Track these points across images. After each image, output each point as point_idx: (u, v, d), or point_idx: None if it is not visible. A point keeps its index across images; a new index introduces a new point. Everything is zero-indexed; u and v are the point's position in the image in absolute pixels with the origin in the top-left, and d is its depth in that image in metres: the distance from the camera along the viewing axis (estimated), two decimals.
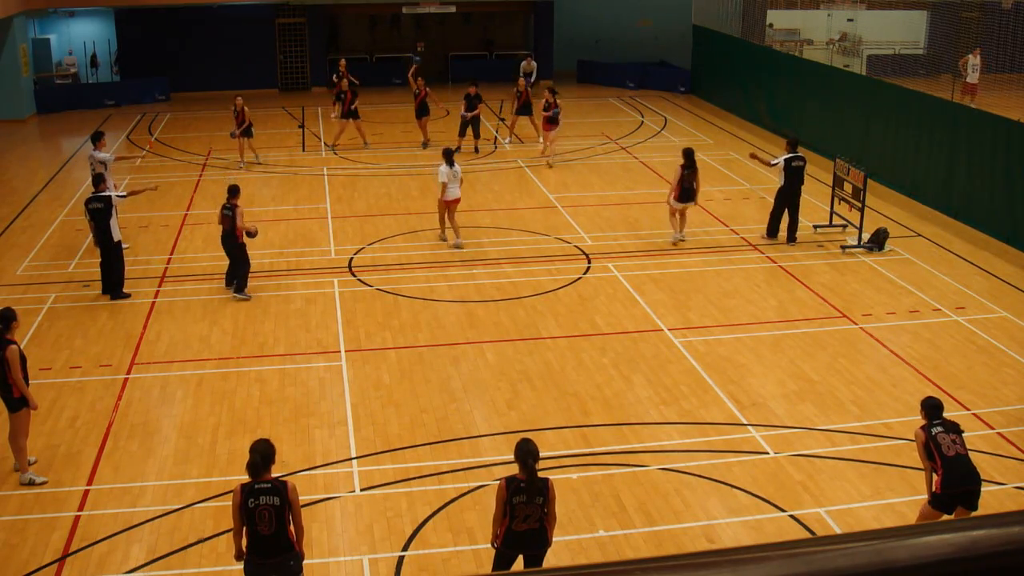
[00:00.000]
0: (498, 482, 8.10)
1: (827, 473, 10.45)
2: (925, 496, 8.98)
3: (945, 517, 8.76)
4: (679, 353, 13.30)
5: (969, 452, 8.84)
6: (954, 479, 8.63)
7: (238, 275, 15.02)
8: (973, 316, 14.45)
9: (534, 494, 7.86)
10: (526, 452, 7.92)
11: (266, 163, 23.15)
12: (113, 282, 15.22)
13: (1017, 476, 10.38)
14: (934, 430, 8.76)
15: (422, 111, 24.17)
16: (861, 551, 1.64)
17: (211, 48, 31.93)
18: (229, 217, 14.73)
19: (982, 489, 8.78)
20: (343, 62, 27.21)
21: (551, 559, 8.56)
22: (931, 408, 8.96)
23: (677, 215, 17.37)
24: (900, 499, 9.97)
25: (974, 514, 8.60)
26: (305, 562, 9.00)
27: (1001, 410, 11.76)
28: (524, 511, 7.86)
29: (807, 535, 9.52)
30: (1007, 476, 10.36)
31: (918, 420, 11.43)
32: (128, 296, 15.25)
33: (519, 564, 8.16)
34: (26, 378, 10.30)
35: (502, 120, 28.05)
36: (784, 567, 1.61)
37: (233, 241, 14.82)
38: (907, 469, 10.47)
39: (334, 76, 27.28)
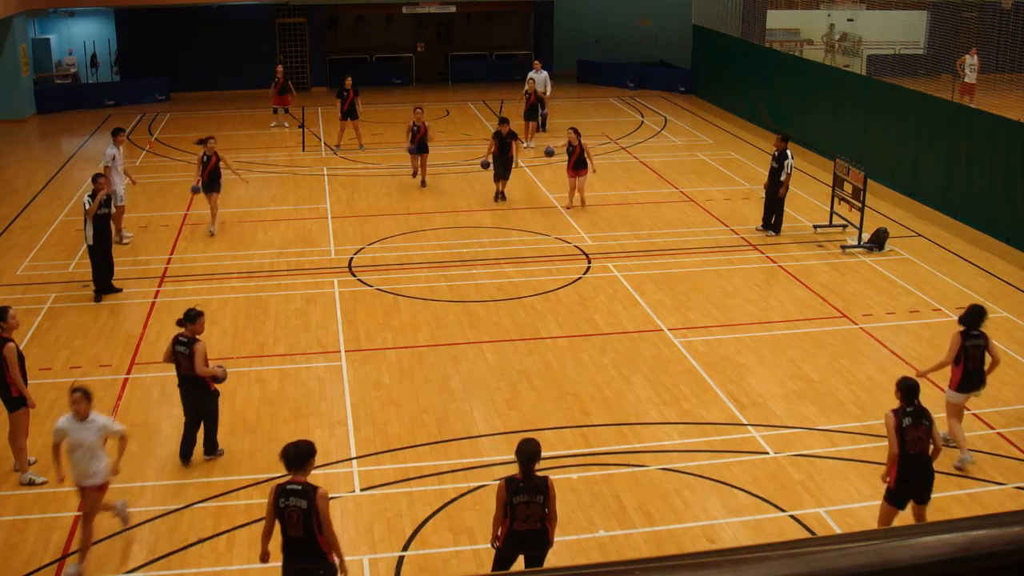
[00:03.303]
0: (498, 482, 8.11)
1: (827, 473, 10.45)
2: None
3: (899, 513, 8.90)
4: (679, 353, 13.29)
5: (940, 444, 8.91)
6: (909, 476, 8.72)
7: (206, 433, 10.72)
8: None
9: (534, 493, 7.86)
10: (526, 453, 7.93)
11: (258, 171, 23.12)
12: (96, 285, 15.18)
13: (1017, 476, 10.37)
14: (905, 420, 8.70)
15: (422, 147, 21.03)
16: (861, 551, 1.64)
17: (211, 48, 31.93)
18: (185, 356, 10.33)
19: (982, 490, 8.79)
20: (280, 68, 27.06)
21: (551, 559, 8.56)
22: (906, 390, 8.83)
23: (956, 419, 10.71)
24: None
25: (977, 513, 8.59)
26: None
27: (1001, 410, 11.75)
28: (525, 511, 7.86)
29: (807, 535, 9.52)
30: (1007, 476, 10.35)
31: None
32: (119, 291, 15.22)
33: (519, 564, 8.15)
34: (24, 377, 10.30)
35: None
36: (784, 567, 1.61)
37: (196, 389, 10.50)
38: None
39: (273, 84, 27.06)
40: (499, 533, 8.06)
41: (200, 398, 10.53)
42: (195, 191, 18.34)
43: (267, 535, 7.88)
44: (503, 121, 20.21)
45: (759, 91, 26.81)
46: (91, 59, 32.62)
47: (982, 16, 29.69)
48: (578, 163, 19.19)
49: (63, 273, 16.33)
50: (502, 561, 8.11)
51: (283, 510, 7.63)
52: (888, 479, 8.86)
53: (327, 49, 33.62)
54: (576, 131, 19.40)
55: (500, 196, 20.13)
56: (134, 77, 31.89)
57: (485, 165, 20.13)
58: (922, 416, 8.77)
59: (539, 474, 8.01)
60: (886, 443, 10.93)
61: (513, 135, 20.01)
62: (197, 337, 10.38)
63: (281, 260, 16.90)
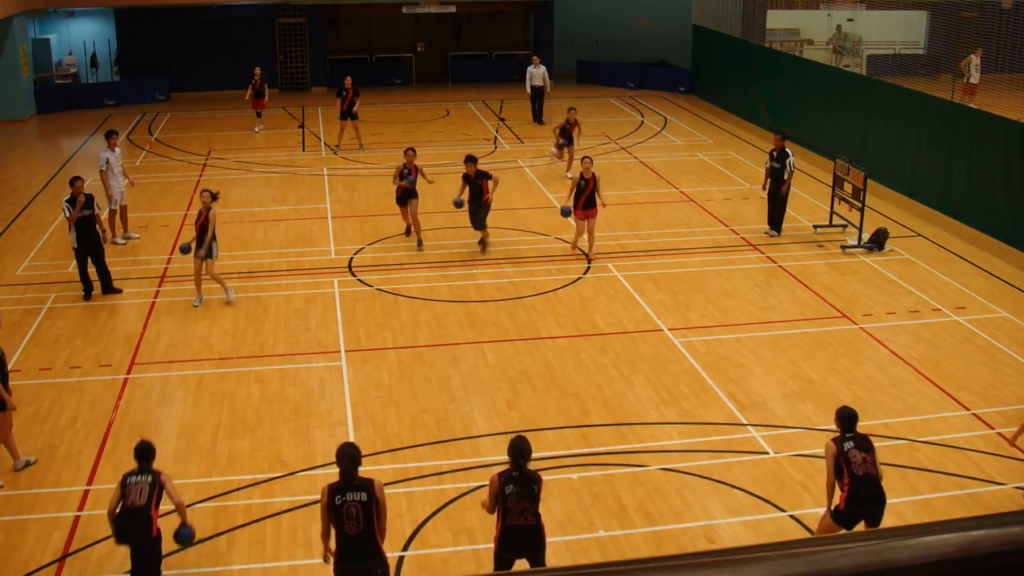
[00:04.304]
0: (491, 478, 8.13)
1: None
2: (913, 497, 8.94)
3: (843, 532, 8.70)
4: (679, 353, 13.29)
5: (880, 468, 8.64)
6: (861, 498, 8.51)
7: None
8: (973, 316, 14.45)
9: (527, 483, 7.89)
10: (517, 449, 7.98)
11: (265, 162, 23.14)
12: (84, 285, 15.20)
13: (1017, 476, 10.37)
14: (846, 445, 8.56)
15: (407, 197, 17.35)
16: (861, 551, 1.64)
17: (211, 48, 31.94)
18: (147, 484, 8.26)
19: (982, 490, 8.76)
20: (258, 70, 26.45)
21: (551, 559, 8.56)
22: (845, 419, 8.72)
23: None
24: (900, 499, 9.95)
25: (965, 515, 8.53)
26: (305, 562, 9.03)
27: (1001, 410, 11.75)
28: (519, 504, 7.87)
29: (807, 535, 9.52)
30: (1007, 476, 10.35)
31: (918, 420, 11.48)
32: (119, 291, 15.29)
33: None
34: (6, 380, 10.27)
35: (502, 120, 28.04)
36: (784, 567, 1.61)
37: (140, 524, 8.24)
38: (907, 469, 10.47)
39: (250, 86, 26.43)
40: (496, 530, 8.05)
41: (149, 549, 8.32)
42: (184, 251, 15.05)
43: (327, 535, 7.78)
44: (469, 160, 16.78)
45: (759, 91, 26.81)
46: (91, 59, 32.63)
47: (982, 16, 29.71)
48: (589, 201, 16.25)
49: (63, 273, 16.33)
50: (499, 564, 8.08)
51: (340, 507, 7.54)
52: (837, 504, 8.59)
53: (327, 49, 33.63)
54: (591, 160, 16.64)
55: (481, 244, 17.15)
56: (134, 77, 31.90)
57: (458, 204, 16.86)
58: (864, 441, 8.64)
59: (532, 470, 8.03)
60: (885, 443, 10.97)
61: (485, 175, 16.64)
62: (160, 471, 8.45)
63: (281, 260, 16.90)
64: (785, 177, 17.42)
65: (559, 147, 21.49)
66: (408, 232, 17.76)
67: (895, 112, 20.83)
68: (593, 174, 16.22)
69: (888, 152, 20.93)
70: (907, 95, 20.79)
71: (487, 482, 10.14)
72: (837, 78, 24.05)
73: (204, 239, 14.58)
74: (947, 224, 18.61)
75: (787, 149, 17.52)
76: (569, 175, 20.90)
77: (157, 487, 8.29)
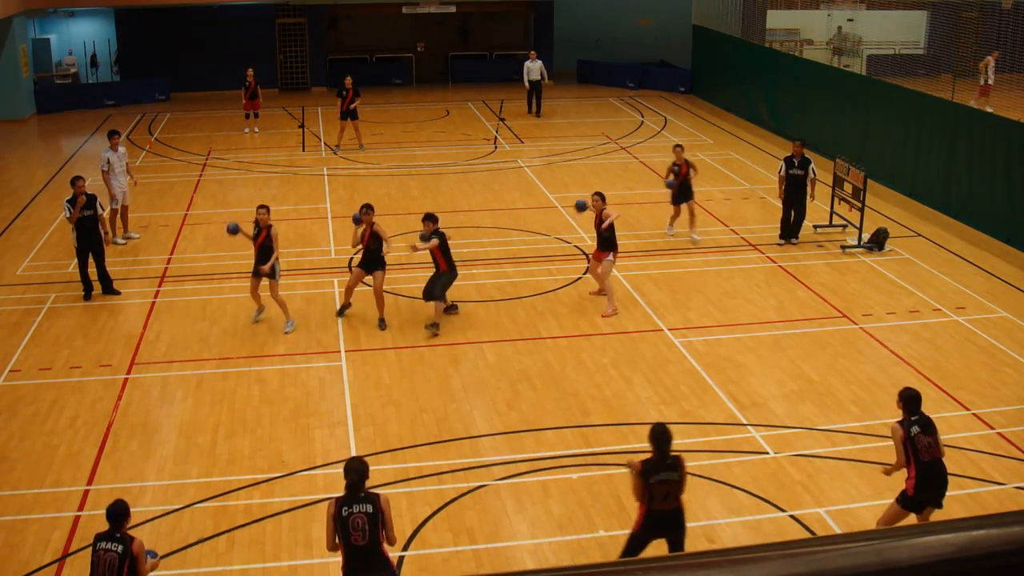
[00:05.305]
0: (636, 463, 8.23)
1: (827, 473, 10.45)
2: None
3: (913, 516, 8.79)
4: (679, 353, 13.29)
5: (943, 449, 8.79)
6: (929, 484, 8.62)
7: None
8: (973, 316, 14.45)
9: (670, 471, 8.05)
10: (661, 436, 8.14)
11: (265, 162, 23.15)
12: (84, 284, 15.20)
13: (1017, 476, 10.37)
14: (912, 429, 8.64)
15: (372, 265, 14.07)
16: (861, 551, 1.64)
17: (211, 48, 31.95)
18: (116, 554, 7.46)
19: (982, 490, 8.77)
20: (250, 71, 26.29)
21: (551, 559, 8.56)
22: (909, 400, 8.79)
23: None
24: None
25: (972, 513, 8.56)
26: (305, 562, 9.03)
27: (1001, 410, 11.75)
28: (663, 490, 8.03)
29: (807, 535, 9.52)
30: (1007, 476, 10.35)
31: None
32: (118, 293, 15.26)
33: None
34: None
35: (502, 120, 28.03)
36: (784, 567, 1.61)
37: None
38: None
39: (244, 88, 26.31)
40: (639, 514, 8.14)
41: None
42: (232, 231, 14.26)
43: (333, 548, 7.66)
44: (428, 218, 13.76)
45: (759, 91, 26.81)
46: (91, 59, 32.63)
47: (982, 16, 29.72)
48: (602, 241, 14.31)
49: (63, 273, 16.33)
50: (636, 545, 8.19)
51: (346, 519, 7.52)
52: (904, 490, 8.71)
53: (327, 49, 33.63)
54: (602, 196, 14.37)
55: (432, 326, 13.88)
56: (134, 77, 31.90)
57: (425, 238, 13.68)
58: (928, 423, 8.73)
59: (673, 454, 8.19)
60: (886, 443, 10.96)
61: (439, 235, 13.59)
62: (135, 537, 7.64)
63: (281, 260, 16.85)
64: (808, 184, 17.15)
65: (670, 185, 17.62)
66: (342, 311, 14.48)
67: (895, 112, 20.82)
68: (602, 210, 14.17)
69: (888, 152, 20.93)
70: (907, 95, 20.78)
71: (487, 482, 10.19)
72: (837, 78, 24.05)
73: (268, 259, 13.72)
74: (947, 224, 18.61)
75: (806, 156, 17.33)
76: (671, 232, 17.84)
77: (128, 559, 7.46)
